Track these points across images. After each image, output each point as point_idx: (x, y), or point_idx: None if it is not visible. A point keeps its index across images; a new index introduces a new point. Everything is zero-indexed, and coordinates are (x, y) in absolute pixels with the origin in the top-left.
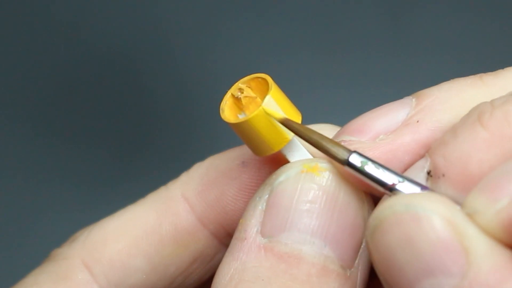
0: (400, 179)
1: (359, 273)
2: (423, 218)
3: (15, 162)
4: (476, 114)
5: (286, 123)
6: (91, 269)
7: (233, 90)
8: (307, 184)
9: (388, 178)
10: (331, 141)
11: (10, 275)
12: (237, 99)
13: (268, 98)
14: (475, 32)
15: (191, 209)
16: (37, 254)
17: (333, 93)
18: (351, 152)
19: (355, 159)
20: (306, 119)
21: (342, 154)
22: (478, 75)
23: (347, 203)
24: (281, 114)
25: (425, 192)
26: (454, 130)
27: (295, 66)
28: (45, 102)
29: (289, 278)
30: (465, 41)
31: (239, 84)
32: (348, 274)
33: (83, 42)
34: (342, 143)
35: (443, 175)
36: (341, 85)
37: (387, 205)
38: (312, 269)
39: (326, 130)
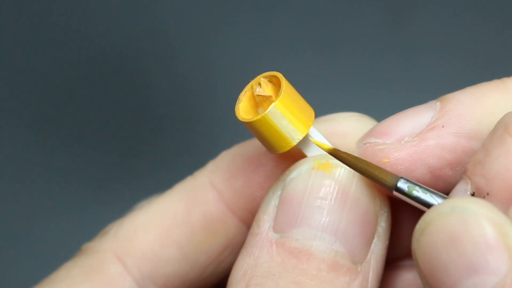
0: None
1: (371, 268)
2: (468, 218)
3: (16, 162)
4: (503, 127)
5: (335, 154)
6: (123, 262)
7: (254, 82)
8: (318, 181)
9: (434, 200)
10: (378, 168)
11: (12, 275)
12: (251, 99)
13: (281, 94)
14: (481, 33)
15: (220, 196)
16: (39, 254)
17: (335, 94)
18: (398, 178)
19: (403, 185)
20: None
21: (390, 180)
22: (501, 79)
23: (358, 199)
24: (329, 144)
25: (470, 196)
26: (485, 148)
27: (297, 67)
28: (45, 102)
29: (300, 273)
30: (471, 42)
31: (261, 77)
32: (359, 269)
33: (84, 42)
34: (368, 145)
35: (488, 194)
36: (344, 86)
37: (434, 208)
38: (322, 264)
39: (353, 118)
